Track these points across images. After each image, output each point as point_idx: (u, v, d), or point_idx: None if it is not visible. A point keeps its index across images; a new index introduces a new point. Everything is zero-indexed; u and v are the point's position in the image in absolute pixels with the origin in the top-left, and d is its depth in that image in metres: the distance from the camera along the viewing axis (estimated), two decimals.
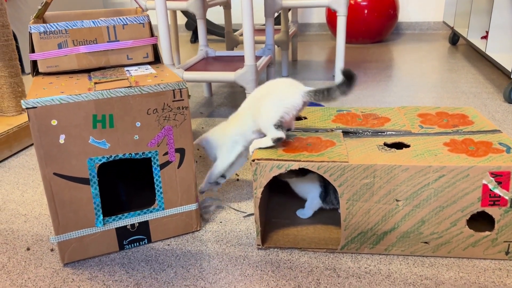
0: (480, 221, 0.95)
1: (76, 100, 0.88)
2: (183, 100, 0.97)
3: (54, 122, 0.88)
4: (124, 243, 1.02)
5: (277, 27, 2.75)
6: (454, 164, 0.88)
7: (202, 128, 1.78)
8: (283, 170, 0.93)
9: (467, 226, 0.91)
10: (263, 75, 2.57)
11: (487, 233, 0.92)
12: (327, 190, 1.04)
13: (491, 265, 0.92)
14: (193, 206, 1.06)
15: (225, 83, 2.49)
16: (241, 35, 2.59)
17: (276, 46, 3.09)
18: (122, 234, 1.01)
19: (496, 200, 0.89)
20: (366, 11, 3.27)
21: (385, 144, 0.99)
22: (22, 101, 0.85)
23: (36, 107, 0.86)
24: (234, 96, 2.23)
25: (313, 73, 2.60)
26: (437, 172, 0.88)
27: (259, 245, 1.00)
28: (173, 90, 0.95)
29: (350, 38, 3.44)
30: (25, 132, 1.63)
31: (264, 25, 2.98)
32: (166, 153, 0.99)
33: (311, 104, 1.80)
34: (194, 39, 3.91)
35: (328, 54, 3.15)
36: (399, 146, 0.99)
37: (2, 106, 1.72)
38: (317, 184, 1.04)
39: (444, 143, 0.98)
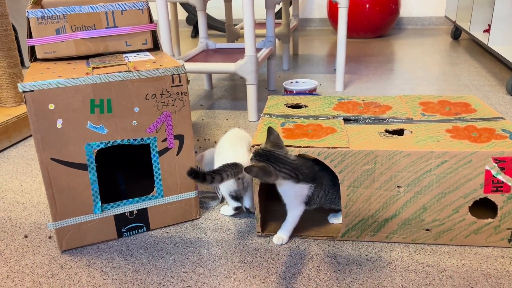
0: (483, 208, 0.94)
1: (73, 84, 0.87)
2: (182, 85, 0.96)
3: (51, 106, 0.87)
4: (123, 230, 1.01)
5: (278, 21, 2.74)
6: (456, 149, 0.86)
7: (202, 120, 1.77)
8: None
9: (469, 213, 0.90)
10: (264, 68, 2.55)
11: (489, 220, 0.90)
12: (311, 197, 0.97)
13: (493, 252, 0.91)
14: (192, 194, 1.05)
15: (225, 75, 2.48)
16: (242, 28, 2.58)
17: (277, 40, 3.07)
18: (121, 221, 1.00)
19: (499, 187, 0.87)
20: (367, 6, 3.26)
21: (387, 131, 0.98)
22: (18, 84, 0.84)
23: (33, 91, 0.84)
24: (234, 89, 2.22)
25: (314, 67, 2.58)
26: (439, 157, 0.87)
27: (259, 232, 0.99)
28: (172, 75, 0.94)
29: (352, 33, 3.42)
30: (24, 123, 1.62)
31: (265, 19, 2.96)
32: (165, 140, 0.98)
33: (309, 93, 1.79)
34: (195, 34, 3.90)
35: (329, 49, 3.13)
36: (400, 133, 0.98)
37: (1, 97, 1.71)
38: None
39: (446, 130, 0.96)
